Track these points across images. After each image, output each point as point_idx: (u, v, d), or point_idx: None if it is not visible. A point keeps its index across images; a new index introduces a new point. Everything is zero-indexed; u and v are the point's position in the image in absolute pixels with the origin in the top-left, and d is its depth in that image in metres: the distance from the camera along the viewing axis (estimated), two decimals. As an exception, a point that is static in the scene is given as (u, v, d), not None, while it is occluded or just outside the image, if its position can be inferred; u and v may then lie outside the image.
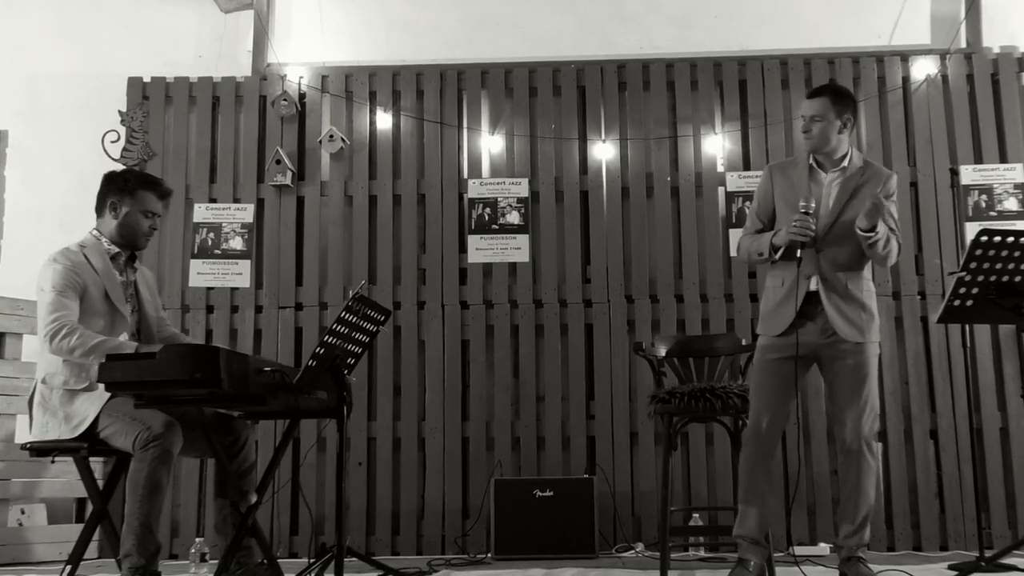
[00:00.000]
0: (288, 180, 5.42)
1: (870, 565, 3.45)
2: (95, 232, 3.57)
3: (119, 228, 3.53)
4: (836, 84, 3.71)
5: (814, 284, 3.45)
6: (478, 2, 5.80)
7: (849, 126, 3.55)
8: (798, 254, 3.41)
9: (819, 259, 3.45)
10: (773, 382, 3.45)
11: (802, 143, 3.60)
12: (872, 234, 3.36)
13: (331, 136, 5.45)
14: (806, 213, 3.38)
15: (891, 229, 3.50)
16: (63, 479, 4.85)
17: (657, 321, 5.25)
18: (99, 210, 3.58)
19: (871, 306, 3.49)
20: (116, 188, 3.56)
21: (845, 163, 3.55)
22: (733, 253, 5.17)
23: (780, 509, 4.70)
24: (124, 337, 3.42)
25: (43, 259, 3.43)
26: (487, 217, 5.39)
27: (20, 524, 4.71)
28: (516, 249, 5.36)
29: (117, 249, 3.54)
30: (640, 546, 4.89)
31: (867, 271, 3.55)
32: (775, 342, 3.48)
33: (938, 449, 5.05)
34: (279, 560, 3.69)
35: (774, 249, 3.50)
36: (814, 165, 3.58)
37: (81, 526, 3.57)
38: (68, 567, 3.31)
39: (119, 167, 4.72)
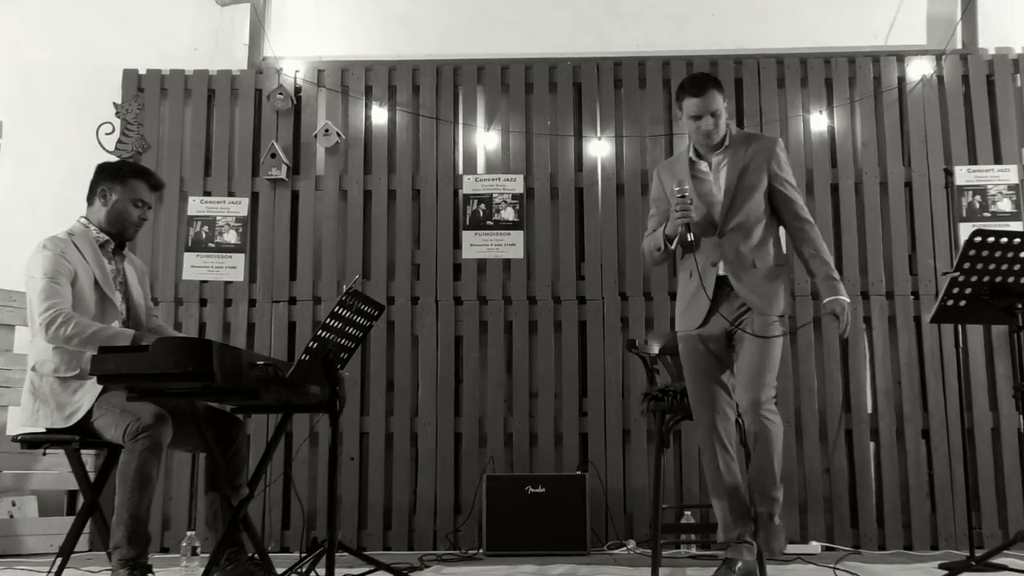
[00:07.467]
0: (283, 174, 5.41)
1: (859, 561, 3.44)
2: (83, 220, 3.55)
3: (108, 216, 3.52)
4: (709, 74, 3.70)
5: (722, 269, 3.46)
6: (474, -3, 5.81)
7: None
8: (689, 238, 3.42)
9: (722, 244, 3.45)
10: (708, 375, 3.46)
11: (702, 141, 3.51)
12: (844, 324, 3.40)
13: (326, 130, 5.44)
14: (682, 196, 3.40)
15: (798, 215, 3.50)
16: (54, 471, 4.84)
17: (651, 318, 5.25)
18: (90, 198, 3.58)
19: (779, 280, 3.49)
20: (108, 176, 3.56)
21: (726, 142, 3.55)
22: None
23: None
24: (116, 325, 3.41)
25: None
26: (482, 213, 5.39)
27: (11, 516, 4.70)
28: (510, 245, 5.36)
29: (106, 237, 3.54)
30: (632, 543, 4.89)
31: (771, 245, 3.53)
32: (696, 336, 3.48)
33: (930, 448, 5.06)
34: (270, 554, 3.69)
35: (668, 240, 3.52)
36: (693, 158, 3.57)
37: (72, 518, 3.56)
38: (59, 559, 3.30)
39: (113, 159, 4.70)
